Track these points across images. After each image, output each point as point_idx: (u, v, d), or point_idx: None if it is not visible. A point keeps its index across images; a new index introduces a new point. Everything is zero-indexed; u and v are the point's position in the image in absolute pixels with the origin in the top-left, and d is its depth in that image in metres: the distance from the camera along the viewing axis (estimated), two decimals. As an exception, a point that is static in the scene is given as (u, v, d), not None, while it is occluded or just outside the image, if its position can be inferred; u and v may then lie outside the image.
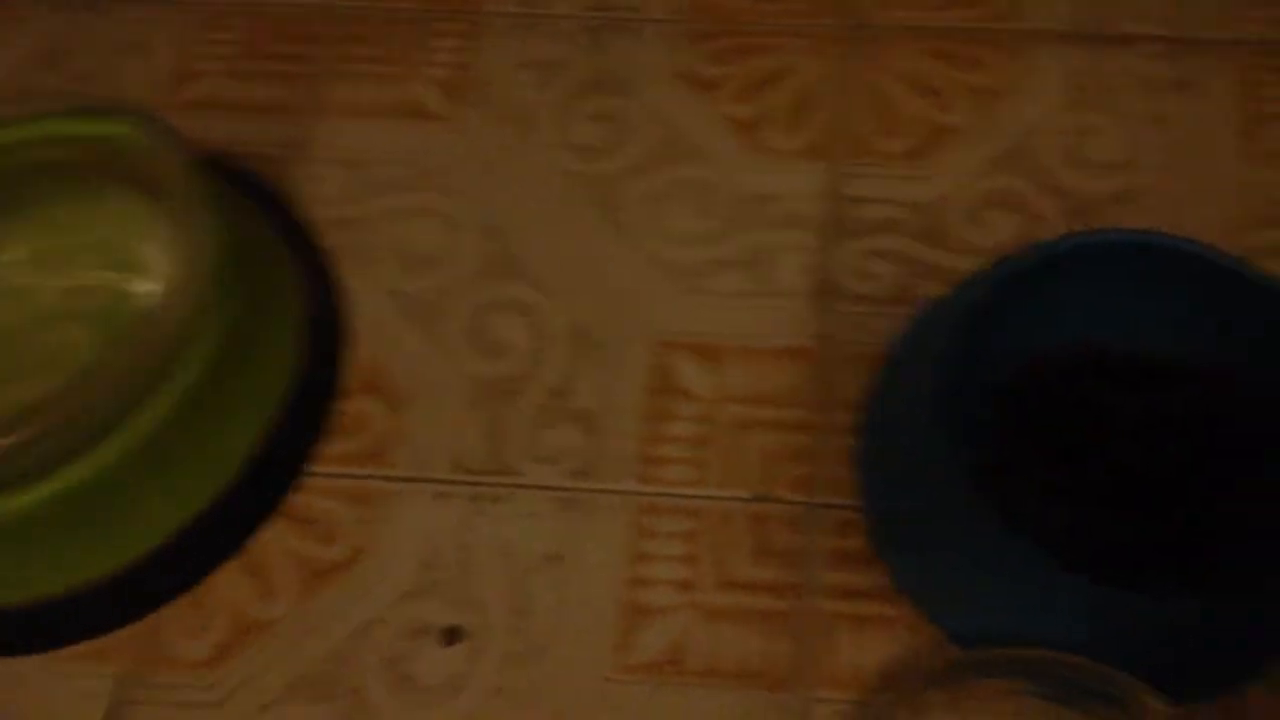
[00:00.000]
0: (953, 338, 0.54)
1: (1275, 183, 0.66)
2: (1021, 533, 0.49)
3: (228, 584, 0.56)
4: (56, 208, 0.61)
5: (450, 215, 0.67)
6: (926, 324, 0.60)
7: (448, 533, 0.57)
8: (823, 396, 0.60)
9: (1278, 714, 0.52)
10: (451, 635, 0.54)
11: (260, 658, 0.54)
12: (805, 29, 0.72)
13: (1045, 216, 0.65)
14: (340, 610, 0.55)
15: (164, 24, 0.74)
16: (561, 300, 0.64)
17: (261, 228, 0.63)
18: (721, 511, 0.57)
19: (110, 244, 0.60)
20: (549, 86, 0.71)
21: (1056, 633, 0.50)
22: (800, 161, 0.68)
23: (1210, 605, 0.49)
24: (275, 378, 0.59)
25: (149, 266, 0.59)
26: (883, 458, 0.58)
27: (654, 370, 0.61)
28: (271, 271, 0.61)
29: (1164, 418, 0.56)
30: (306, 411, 0.59)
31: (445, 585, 0.56)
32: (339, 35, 0.73)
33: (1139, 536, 0.54)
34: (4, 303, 0.60)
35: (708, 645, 0.54)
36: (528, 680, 0.54)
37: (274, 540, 0.57)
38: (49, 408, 0.49)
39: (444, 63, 0.72)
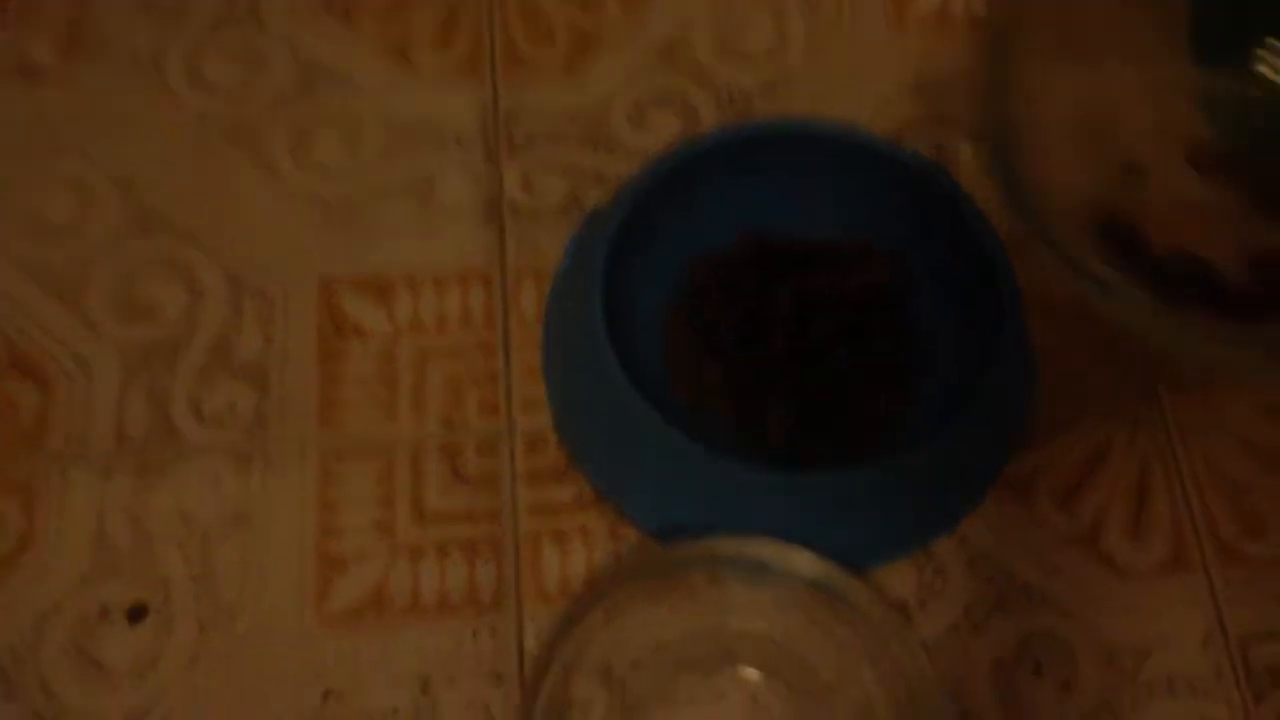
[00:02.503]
0: (612, 245, 0.59)
1: (924, 50, 0.73)
2: (696, 430, 0.55)
3: (-122, 596, 0.57)
4: None
5: (80, 178, 0.67)
6: (589, 234, 0.65)
7: (119, 509, 0.58)
8: (503, 317, 0.64)
9: (965, 567, 0.59)
10: (136, 613, 0.56)
11: (-69, 664, 0.55)
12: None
13: (703, 111, 0.71)
14: (14, 603, 0.56)
15: None
16: (210, 251, 0.65)
17: None
18: (411, 446, 0.61)
19: None
20: (172, 28, 0.72)
21: (742, 518, 0.56)
22: (454, 80, 0.71)
23: (872, 475, 0.56)
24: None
25: None
26: (563, 371, 0.62)
27: (323, 312, 0.64)
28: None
29: (828, 301, 0.63)
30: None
31: (123, 563, 0.57)
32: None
33: (804, 418, 0.61)
34: None
35: (410, 583, 0.58)
36: (224, 646, 0.56)
37: (-71, 542, 0.58)
38: None
39: (56, 17, 0.72)
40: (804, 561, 0.54)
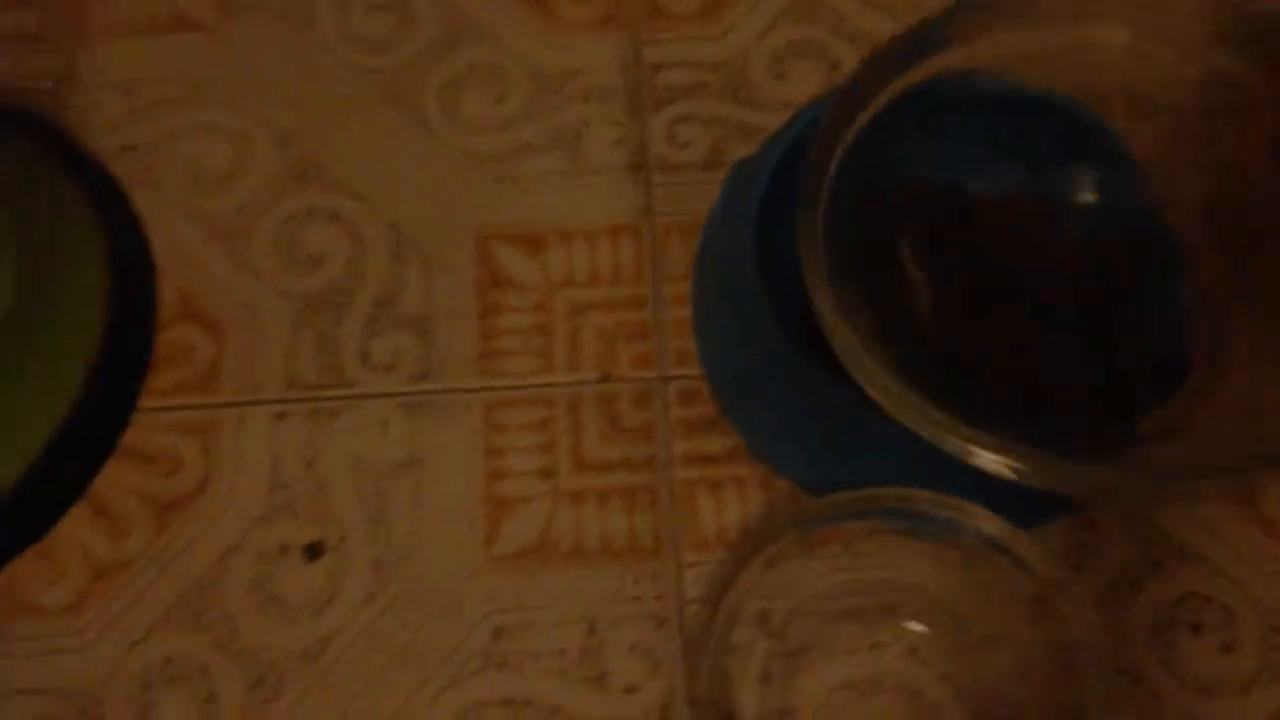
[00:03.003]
0: (764, 194, 0.60)
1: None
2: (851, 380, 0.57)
3: (77, 529, 0.59)
4: None
5: (238, 128, 0.70)
6: (737, 186, 0.67)
7: (293, 452, 0.61)
8: (653, 271, 0.66)
9: (1122, 527, 0.61)
10: (313, 551, 0.59)
11: (123, 597, 0.58)
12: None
13: (845, 63, 0.72)
14: (195, 542, 0.59)
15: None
16: (370, 203, 0.68)
17: (42, 165, 0.65)
18: (568, 397, 0.63)
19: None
20: (322, -19, 0.74)
21: (900, 473, 0.58)
22: (595, 33, 0.73)
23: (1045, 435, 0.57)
24: (86, 316, 0.62)
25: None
26: (714, 322, 0.64)
27: (479, 264, 0.66)
28: (61, 209, 0.64)
29: (989, 248, 0.64)
30: (127, 347, 0.62)
31: (299, 504, 0.60)
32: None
33: (972, 369, 0.62)
34: None
35: (573, 528, 0.60)
36: (398, 585, 0.59)
37: (117, 480, 0.60)
38: None
39: (210, -32, 0.74)
40: (966, 515, 0.55)
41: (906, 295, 0.61)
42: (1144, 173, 0.60)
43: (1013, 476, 0.49)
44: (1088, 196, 0.62)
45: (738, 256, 0.59)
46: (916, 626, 0.57)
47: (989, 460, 0.49)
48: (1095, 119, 0.61)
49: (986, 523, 0.55)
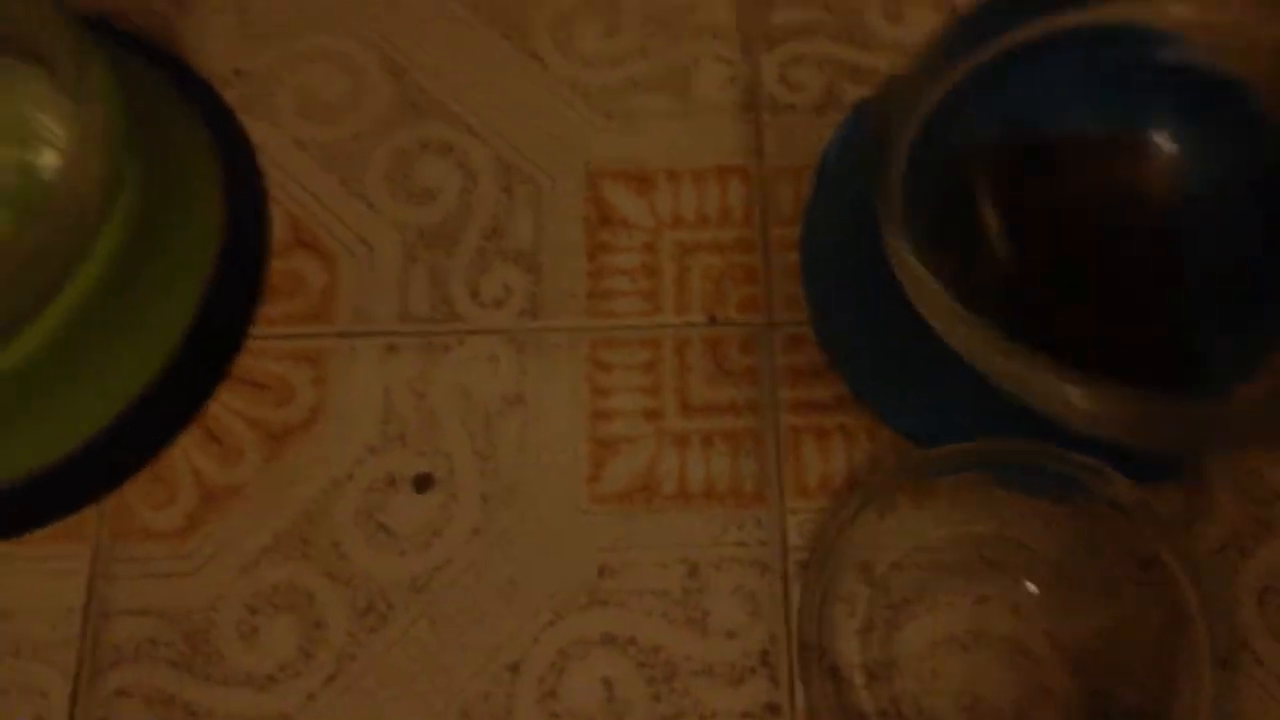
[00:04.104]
0: (884, 141, 0.59)
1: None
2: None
3: (189, 453, 0.60)
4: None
5: (350, 56, 0.70)
6: (854, 129, 0.66)
7: (404, 384, 0.62)
8: (761, 214, 0.66)
9: (1235, 489, 0.60)
10: (422, 482, 0.60)
11: (232, 522, 0.59)
12: None
13: (960, 3, 0.71)
14: (306, 470, 0.60)
15: None
16: (481, 136, 0.68)
17: (159, 87, 0.66)
18: (675, 339, 0.63)
19: (11, 119, 0.63)
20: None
21: (1010, 425, 0.58)
22: (709, -34, 0.72)
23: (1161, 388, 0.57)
24: (201, 241, 0.63)
25: (53, 139, 0.62)
26: (826, 268, 0.64)
27: (588, 201, 0.66)
28: (178, 133, 0.65)
29: (1106, 201, 0.63)
30: (240, 273, 0.63)
31: (409, 436, 0.61)
32: None
33: (1088, 323, 0.61)
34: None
35: (677, 470, 0.60)
36: (504, 519, 0.59)
37: (228, 406, 0.61)
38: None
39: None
40: (1084, 471, 0.55)
41: (985, 247, 0.61)
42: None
43: (1087, 408, 0.48)
44: (1190, 147, 0.61)
45: (854, 202, 0.59)
46: (1023, 582, 0.57)
47: (1070, 394, 0.48)
48: (1214, 69, 0.60)
49: (1105, 480, 0.54)
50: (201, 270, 0.62)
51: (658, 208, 0.66)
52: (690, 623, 0.58)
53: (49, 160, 0.62)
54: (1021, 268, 0.61)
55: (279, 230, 0.65)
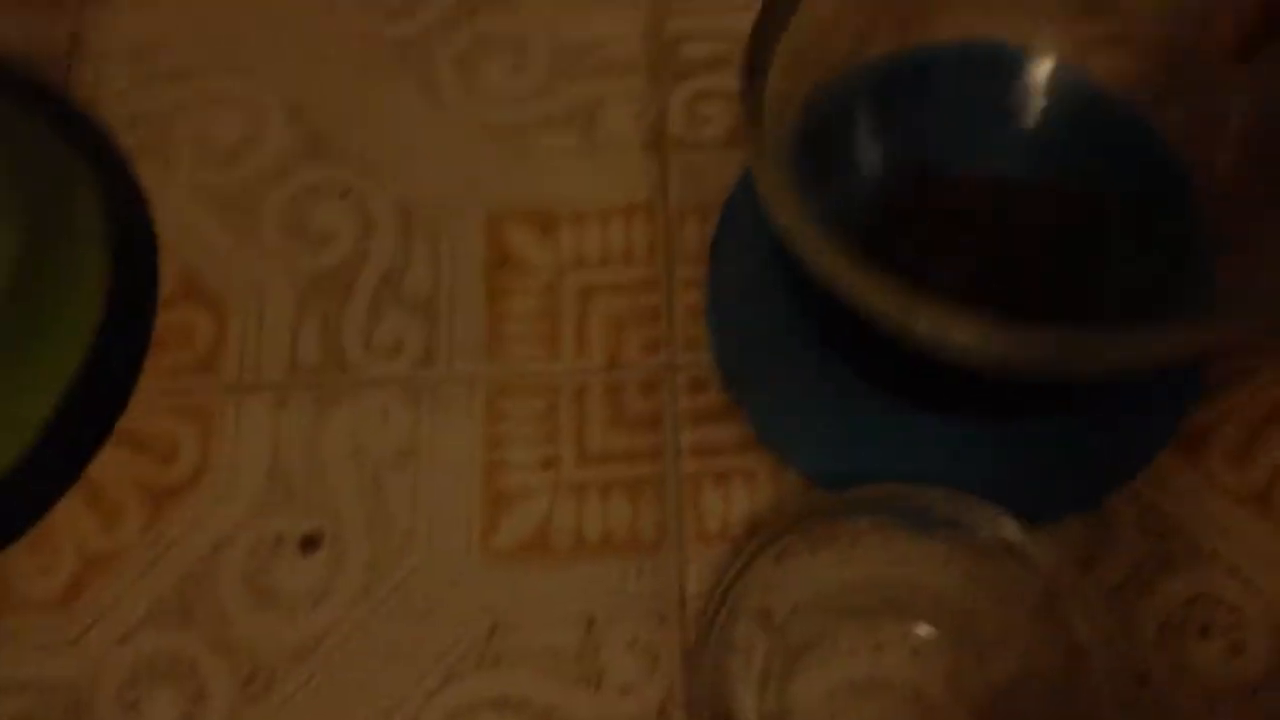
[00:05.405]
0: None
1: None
2: (867, 372, 0.55)
3: (69, 517, 0.58)
4: None
5: (249, 98, 0.68)
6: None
7: (292, 439, 0.60)
8: (666, 253, 0.64)
9: (1135, 524, 0.58)
10: (310, 543, 0.58)
11: (113, 589, 0.57)
12: None
13: (875, 39, 0.69)
14: (190, 531, 0.58)
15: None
16: (382, 178, 0.66)
17: (49, 139, 0.64)
18: (574, 384, 0.61)
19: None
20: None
21: (911, 466, 0.56)
22: (617, 1, 0.71)
23: (1056, 427, 0.55)
24: (87, 295, 0.60)
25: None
26: (730, 308, 0.62)
27: (489, 244, 0.64)
28: (67, 186, 0.63)
29: (1002, 234, 0.61)
30: (127, 326, 0.61)
31: (296, 493, 0.59)
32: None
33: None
34: None
35: (575, 521, 0.58)
36: (394, 578, 0.57)
37: (111, 465, 0.59)
38: None
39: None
40: (976, 513, 0.53)
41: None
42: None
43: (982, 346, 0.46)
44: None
45: (756, 242, 0.58)
46: (922, 626, 0.55)
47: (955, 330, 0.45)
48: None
49: (998, 522, 0.53)
50: (86, 327, 0.60)
51: (560, 249, 0.64)
52: (585, 680, 0.56)
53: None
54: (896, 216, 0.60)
55: (170, 280, 0.63)
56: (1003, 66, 0.60)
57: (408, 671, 0.56)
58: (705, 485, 0.59)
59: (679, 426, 0.60)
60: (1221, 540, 0.58)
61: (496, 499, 0.59)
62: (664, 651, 0.56)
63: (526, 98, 0.68)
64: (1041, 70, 0.60)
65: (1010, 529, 0.52)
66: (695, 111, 0.67)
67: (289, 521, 0.58)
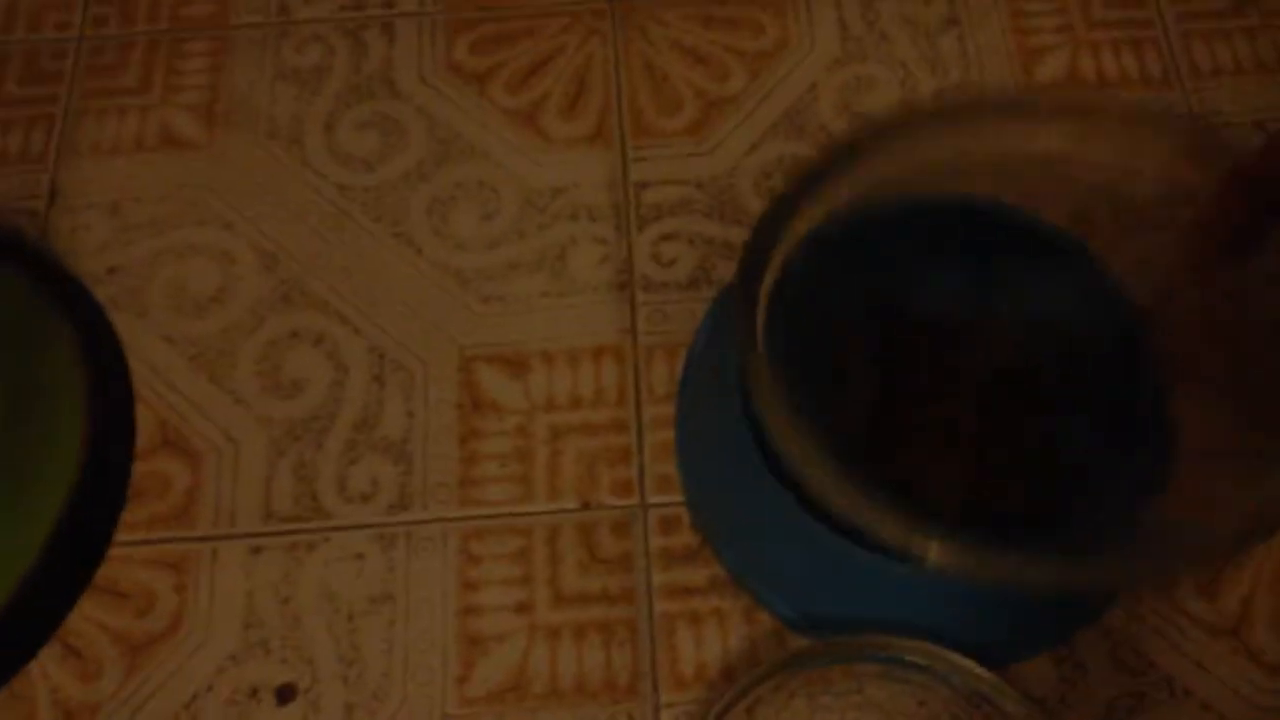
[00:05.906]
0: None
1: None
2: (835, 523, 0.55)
3: (48, 669, 0.58)
4: None
5: (223, 248, 0.69)
6: (723, 309, 0.65)
7: (267, 587, 0.60)
8: (635, 393, 0.65)
9: (1107, 660, 0.59)
10: (285, 694, 0.58)
11: (89, 745, 0.57)
12: (564, 6, 0.76)
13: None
14: (167, 682, 0.58)
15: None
16: (353, 325, 0.67)
17: (27, 296, 0.65)
18: (547, 526, 0.62)
19: None
20: (310, 97, 0.73)
21: (881, 609, 0.56)
22: (583, 149, 0.72)
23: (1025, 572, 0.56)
24: (65, 450, 0.61)
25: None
26: (699, 446, 0.63)
27: (461, 387, 0.65)
28: (45, 342, 0.63)
29: (962, 377, 0.63)
30: (105, 479, 0.62)
31: (272, 642, 0.59)
32: (76, 70, 0.75)
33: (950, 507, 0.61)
34: None
35: (549, 666, 0.58)
36: (370, 726, 0.58)
37: (89, 618, 0.59)
38: None
39: (195, 85, 0.74)
40: (947, 661, 0.54)
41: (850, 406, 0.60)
42: (1103, 271, 0.59)
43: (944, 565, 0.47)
44: (1034, 296, 0.61)
45: (724, 385, 0.58)
46: (895, 774, 0.56)
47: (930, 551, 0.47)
48: (1038, 223, 0.60)
49: (968, 671, 0.54)
50: (64, 481, 0.60)
51: (531, 391, 0.65)
52: (562, 819, 0.56)
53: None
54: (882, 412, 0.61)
55: (146, 430, 0.64)
56: (962, 216, 0.62)
57: (385, 822, 0.56)
58: (679, 627, 0.59)
59: (651, 567, 0.61)
60: (1196, 674, 0.58)
61: (472, 643, 0.59)
62: (640, 795, 0.56)
63: (497, 242, 0.69)
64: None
65: (980, 678, 0.53)
66: (659, 253, 0.69)
67: (264, 671, 0.58)
